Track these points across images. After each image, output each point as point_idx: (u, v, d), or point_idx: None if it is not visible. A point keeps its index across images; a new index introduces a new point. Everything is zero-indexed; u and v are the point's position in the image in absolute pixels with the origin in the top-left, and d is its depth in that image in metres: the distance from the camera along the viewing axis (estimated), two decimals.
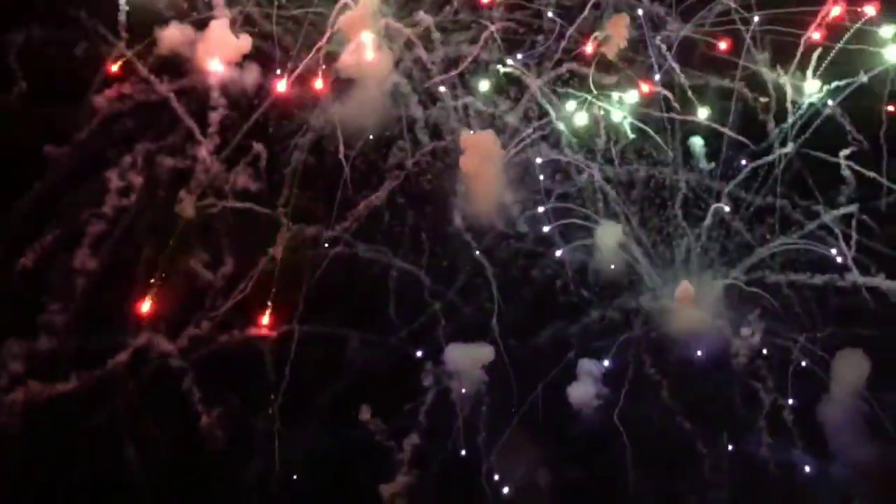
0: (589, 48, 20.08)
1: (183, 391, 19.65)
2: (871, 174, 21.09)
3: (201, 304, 20.06)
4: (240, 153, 20.37)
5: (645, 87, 20.07)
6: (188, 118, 19.89)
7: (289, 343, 20.34)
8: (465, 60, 20.58)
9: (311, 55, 20.14)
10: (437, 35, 20.37)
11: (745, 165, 21.18)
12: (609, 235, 21.23)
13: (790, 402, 21.14)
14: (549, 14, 20.33)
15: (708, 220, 21.15)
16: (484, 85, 20.91)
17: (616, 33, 19.97)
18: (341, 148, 20.55)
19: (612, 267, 21.62)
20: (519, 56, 20.92)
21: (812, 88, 20.19)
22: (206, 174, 19.42)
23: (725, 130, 20.53)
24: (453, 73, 20.52)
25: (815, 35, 20.14)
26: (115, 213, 19.72)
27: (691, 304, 20.88)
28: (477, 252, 21.01)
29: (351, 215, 20.80)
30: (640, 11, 20.87)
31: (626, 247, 21.34)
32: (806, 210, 21.76)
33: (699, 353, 21.37)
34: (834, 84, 20.61)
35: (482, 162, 20.19)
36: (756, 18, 20.39)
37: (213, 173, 19.46)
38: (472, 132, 20.72)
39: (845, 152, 21.08)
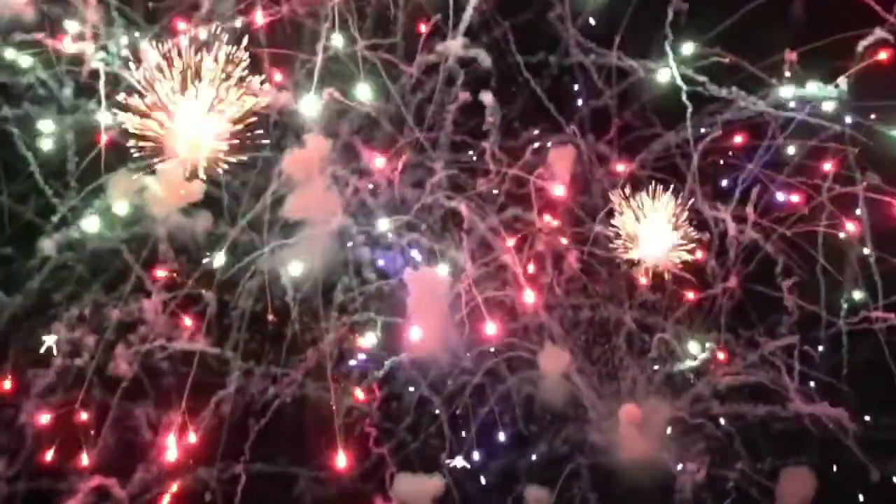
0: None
1: None
2: (812, 307, 20.38)
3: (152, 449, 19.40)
4: (188, 300, 19.34)
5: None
6: (137, 267, 18.64)
7: (237, 483, 19.66)
8: (412, 205, 19.76)
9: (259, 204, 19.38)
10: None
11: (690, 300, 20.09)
12: (554, 361, 20.51)
13: None
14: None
15: (653, 352, 20.22)
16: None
17: (560, 168, 19.38)
18: (289, 291, 19.26)
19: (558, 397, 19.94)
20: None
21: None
22: (153, 325, 18.47)
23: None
24: (400, 218, 20.07)
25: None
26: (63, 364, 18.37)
27: (637, 427, 19.65)
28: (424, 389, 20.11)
29: (299, 357, 19.45)
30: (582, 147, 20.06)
31: (571, 376, 19.94)
32: (748, 340, 20.52)
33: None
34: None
35: (427, 298, 19.40)
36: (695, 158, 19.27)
37: (159, 324, 18.52)
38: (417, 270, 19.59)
39: (787, 283, 20.93)
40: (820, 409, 21.35)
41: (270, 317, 19.74)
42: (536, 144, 20.83)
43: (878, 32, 19.07)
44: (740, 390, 21.69)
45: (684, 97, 19.94)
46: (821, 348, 21.56)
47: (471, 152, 21.31)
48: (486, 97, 19.61)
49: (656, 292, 21.09)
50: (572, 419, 21.25)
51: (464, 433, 21.85)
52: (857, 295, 21.53)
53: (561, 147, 21.19)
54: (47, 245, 20.35)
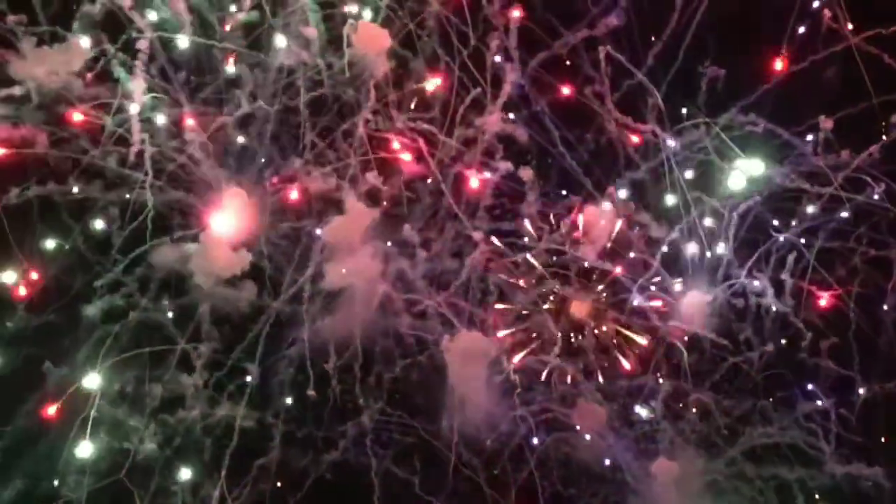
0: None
1: None
2: (846, 372, 20.31)
3: None
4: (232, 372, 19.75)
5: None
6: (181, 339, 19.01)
7: None
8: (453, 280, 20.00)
9: (303, 278, 19.74)
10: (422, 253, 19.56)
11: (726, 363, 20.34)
12: (591, 418, 20.61)
13: None
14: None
15: (690, 413, 20.47)
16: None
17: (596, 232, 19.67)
18: (332, 359, 19.76)
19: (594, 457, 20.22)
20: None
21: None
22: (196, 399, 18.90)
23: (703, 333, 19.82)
24: (441, 295, 20.18)
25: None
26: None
27: (672, 484, 19.88)
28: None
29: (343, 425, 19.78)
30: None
31: (607, 436, 20.13)
32: (785, 400, 20.62)
33: None
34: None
35: (468, 365, 19.89)
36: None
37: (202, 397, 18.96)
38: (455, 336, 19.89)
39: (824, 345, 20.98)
40: (856, 470, 20.21)
41: (311, 392, 19.20)
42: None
43: None
44: (776, 450, 20.50)
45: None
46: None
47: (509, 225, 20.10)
48: (526, 172, 19.39)
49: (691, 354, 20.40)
50: (609, 480, 20.60)
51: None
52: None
53: (596, 208, 19.91)
54: (91, 312, 19.52)
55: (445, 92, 20.53)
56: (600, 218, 21.10)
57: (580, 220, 21.42)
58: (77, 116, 19.84)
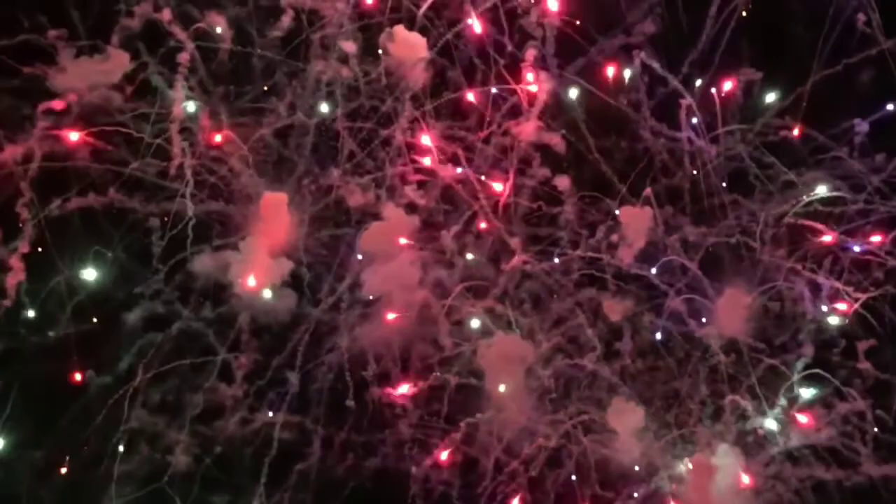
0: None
1: None
2: (883, 376, 20.64)
3: None
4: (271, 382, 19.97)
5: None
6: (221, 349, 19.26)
7: None
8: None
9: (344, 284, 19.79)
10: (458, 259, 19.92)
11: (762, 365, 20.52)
12: (627, 417, 20.99)
13: None
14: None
15: (727, 415, 20.64)
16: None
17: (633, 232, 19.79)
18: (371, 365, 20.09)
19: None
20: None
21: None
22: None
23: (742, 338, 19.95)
24: (477, 305, 20.05)
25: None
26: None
27: (709, 481, 20.04)
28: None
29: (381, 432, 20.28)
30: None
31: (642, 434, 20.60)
32: (822, 402, 21.11)
33: None
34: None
35: (505, 369, 20.37)
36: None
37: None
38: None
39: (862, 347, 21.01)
40: (892, 471, 20.63)
41: (350, 402, 19.42)
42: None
43: None
44: (813, 451, 20.64)
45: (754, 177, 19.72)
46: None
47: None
48: (563, 181, 19.52)
49: (729, 355, 20.52)
50: (647, 481, 20.78)
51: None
52: None
53: (634, 210, 20.13)
54: (132, 320, 19.56)
55: (481, 100, 19.36)
56: (638, 218, 19.80)
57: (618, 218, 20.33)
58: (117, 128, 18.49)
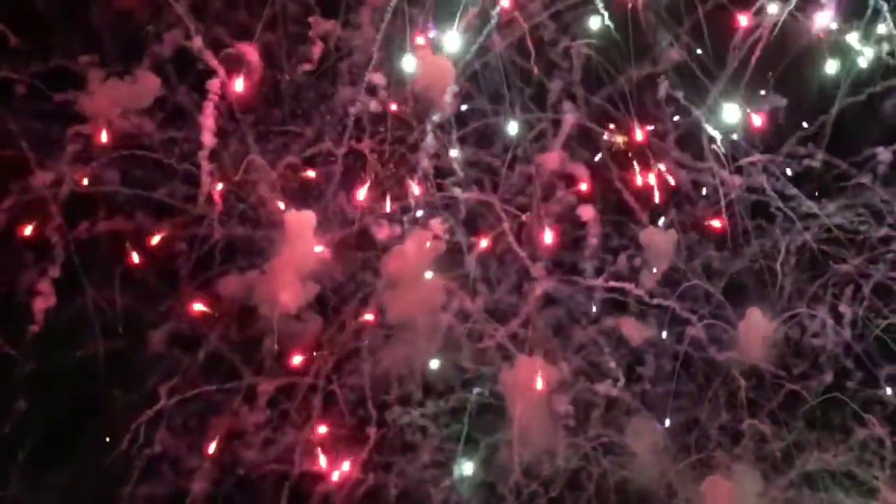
0: None
1: None
2: None
3: None
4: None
5: None
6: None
7: None
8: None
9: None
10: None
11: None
12: (647, 439, 21.42)
13: None
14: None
15: (745, 439, 20.85)
16: None
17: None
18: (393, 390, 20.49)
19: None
20: None
21: None
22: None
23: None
24: (499, 332, 19.98)
25: None
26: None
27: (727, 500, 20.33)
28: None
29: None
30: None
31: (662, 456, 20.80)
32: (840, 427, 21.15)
33: None
34: None
35: (527, 393, 20.47)
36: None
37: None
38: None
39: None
40: None
41: (371, 430, 19.69)
42: None
43: None
44: (831, 476, 20.87)
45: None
46: None
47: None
48: (587, 211, 19.81)
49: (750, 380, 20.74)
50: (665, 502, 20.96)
51: None
52: None
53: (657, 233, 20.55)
54: (157, 339, 19.72)
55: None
56: (660, 242, 19.97)
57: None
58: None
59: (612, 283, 20.90)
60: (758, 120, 20.83)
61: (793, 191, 20.24)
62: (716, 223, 21.57)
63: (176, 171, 20.34)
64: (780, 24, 20.51)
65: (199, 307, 20.96)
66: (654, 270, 20.87)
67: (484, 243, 21.53)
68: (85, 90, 19.59)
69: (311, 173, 20.78)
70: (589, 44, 20.92)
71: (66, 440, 20.52)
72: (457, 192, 20.54)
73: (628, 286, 20.59)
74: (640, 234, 21.66)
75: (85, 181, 19.87)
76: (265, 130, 20.72)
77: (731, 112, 20.38)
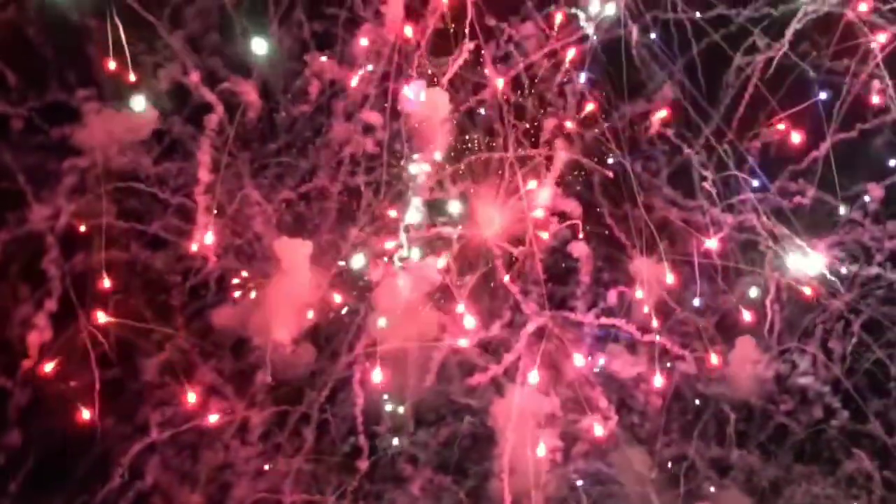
0: None
1: None
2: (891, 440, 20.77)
3: None
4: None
5: None
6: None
7: None
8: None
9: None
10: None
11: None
12: (635, 469, 21.50)
13: None
14: None
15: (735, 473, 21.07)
16: None
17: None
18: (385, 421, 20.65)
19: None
20: None
21: None
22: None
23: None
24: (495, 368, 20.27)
25: None
26: None
27: None
28: None
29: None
30: None
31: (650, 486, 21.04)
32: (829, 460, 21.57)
33: None
34: None
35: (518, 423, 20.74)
36: None
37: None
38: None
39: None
40: None
41: (363, 463, 19.86)
42: None
43: None
44: None
45: None
46: None
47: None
48: (578, 247, 19.99)
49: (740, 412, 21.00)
50: None
51: None
52: None
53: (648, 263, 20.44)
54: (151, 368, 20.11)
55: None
56: (651, 273, 20.29)
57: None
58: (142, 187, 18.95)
59: (604, 321, 19.99)
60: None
61: (784, 230, 19.62)
62: (707, 259, 20.30)
63: (169, 204, 19.30)
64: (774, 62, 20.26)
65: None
66: (645, 306, 20.24)
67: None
68: (80, 122, 18.73)
69: (305, 208, 19.54)
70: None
71: (57, 472, 20.10)
72: (449, 229, 19.53)
73: (619, 322, 19.92)
74: (631, 265, 21.22)
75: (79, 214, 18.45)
76: (260, 165, 19.77)
77: None
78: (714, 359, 21.18)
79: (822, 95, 21.50)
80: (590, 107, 21.30)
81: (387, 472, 21.86)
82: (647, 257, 21.78)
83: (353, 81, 20.60)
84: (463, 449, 22.32)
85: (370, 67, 20.40)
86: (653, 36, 21.06)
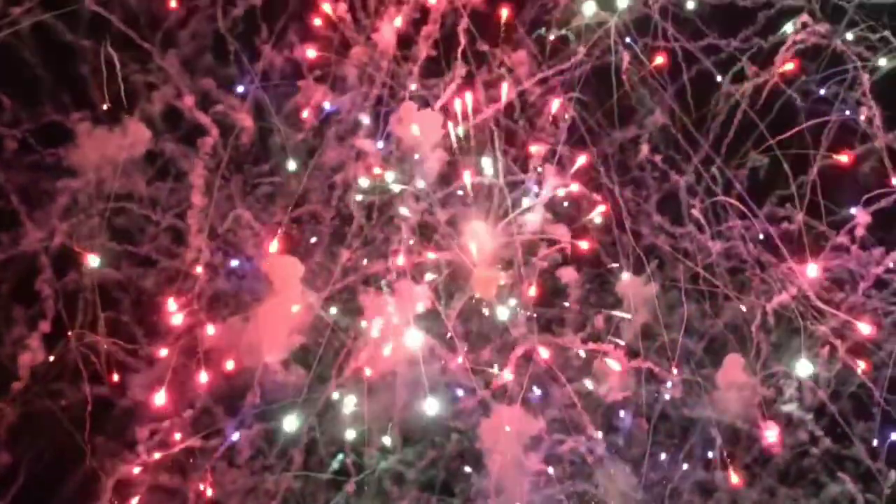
0: None
1: None
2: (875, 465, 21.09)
3: None
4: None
5: None
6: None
7: None
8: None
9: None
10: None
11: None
12: (620, 490, 21.76)
13: None
14: None
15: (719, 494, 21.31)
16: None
17: None
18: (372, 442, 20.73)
19: None
20: None
21: None
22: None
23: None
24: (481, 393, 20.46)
25: None
26: None
27: None
28: None
29: None
30: None
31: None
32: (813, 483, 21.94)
33: None
34: None
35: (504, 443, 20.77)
36: None
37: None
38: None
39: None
40: None
41: (349, 488, 20.02)
42: None
43: None
44: None
45: None
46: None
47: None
48: (568, 273, 20.14)
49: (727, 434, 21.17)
50: None
51: None
52: None
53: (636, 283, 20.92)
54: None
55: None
56: (639, 293, 20.50)
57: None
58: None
59: (591, 346, 20.14)
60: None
61: (770, 257, 19.79)
62: (694, 283, 20.47)
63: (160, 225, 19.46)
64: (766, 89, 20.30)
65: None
66: (631, 323, 20.44)
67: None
68: (73, 142, 18.83)
69: (297, 231, 19.65)
70: (575, 106, 20.24)
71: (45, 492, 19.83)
72: (437, 254, 19.67)
73: (606, 348, 20.08)
74: (618, 284, 21.43)
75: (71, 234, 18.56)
76: (252, 186, 19.84)
77: None
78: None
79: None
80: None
81: (373, 489, 20.86)
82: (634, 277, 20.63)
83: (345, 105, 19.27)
84: (449, 469, 21.00)
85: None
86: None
